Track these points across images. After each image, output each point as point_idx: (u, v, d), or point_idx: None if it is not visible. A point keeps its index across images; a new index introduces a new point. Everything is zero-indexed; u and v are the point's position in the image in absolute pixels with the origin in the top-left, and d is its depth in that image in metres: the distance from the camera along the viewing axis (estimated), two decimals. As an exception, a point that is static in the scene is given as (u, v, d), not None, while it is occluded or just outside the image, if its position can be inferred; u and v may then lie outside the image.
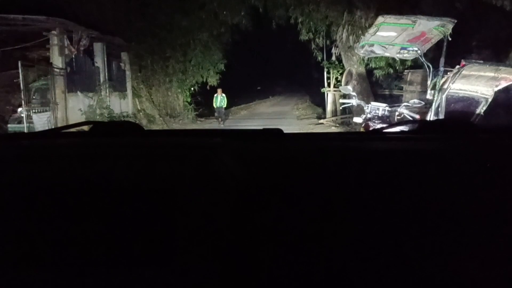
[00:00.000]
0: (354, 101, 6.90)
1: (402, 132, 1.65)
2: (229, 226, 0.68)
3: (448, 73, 6.47)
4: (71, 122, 10.26)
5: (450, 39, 6.62)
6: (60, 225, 0.70)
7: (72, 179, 0.82)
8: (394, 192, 0.77)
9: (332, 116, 15.01)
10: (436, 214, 0.72)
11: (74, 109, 11.16)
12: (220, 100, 14.85)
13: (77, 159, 0.93)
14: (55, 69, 10.58)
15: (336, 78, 15.44)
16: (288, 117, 18.30)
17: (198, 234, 0.67)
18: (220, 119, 15.14)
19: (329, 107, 15.55)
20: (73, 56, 11.25)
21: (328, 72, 15.73)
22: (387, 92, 13.59)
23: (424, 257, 0.64)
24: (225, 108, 15.61)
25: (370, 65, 12.95)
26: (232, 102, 20.40)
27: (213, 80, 17.10)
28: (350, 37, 12.32)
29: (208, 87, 17.04)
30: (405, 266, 0.63)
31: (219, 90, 15.17)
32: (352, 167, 0.88)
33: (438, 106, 6.43)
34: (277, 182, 0.80)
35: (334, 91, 15.29)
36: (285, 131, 1.18)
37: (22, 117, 9.70)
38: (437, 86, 6.54)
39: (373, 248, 0.65)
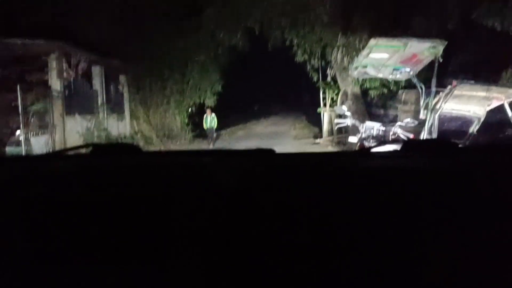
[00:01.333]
0: (348, 121, 6.94)
1: (389, 151, 1.71)
2: (220, 244, 0.72)
3: (440, 93, 6.56)
4: (69, 144, 10.29)
5: (441, 60, 6.75)
6: (59, 245, 0.74)
7: (71, 199, 0.86)
8: (378, 208, 0.80)
9: (329, 136, 15.06)
10: (421, 231, 0.75)
11: (72, 131, 11.20)
12: (210, 120, 14.21)
13: (77, 180, 0.98)
14: (54, 92, 10.67)
15: (332, 98, 15.55)
16: (285, 137, 18.27)
17: (190, 251, 0.71)
18: (210, 139, 14.58)
19: (325, 126, 15.61)
20: (71, 79, 11.35)
21: (324, 92, 15.86)
22: (382, 111, 13.70)
23: (410, 272, 0.67)
24: (216, 129, 15.04)
25: (365, 85, 13.10)
26: (229, 122, 20.38)
27: (210, 102, 17.12)
28: (345, 58, 12.51)
29: (205, 108, 17.05)
30: (393, 282, 0.66)
31: (208, 110, 14.57)
32: (338, 185, 0.93)
33: (431, 126, 6.50)
34: (267, 200, 0.84)
35: (330, 111, 15.38)
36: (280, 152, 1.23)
37: (21, 140, 9.73)
38: (429, 106, 6.63)
39: (366, 266, 0.67)
